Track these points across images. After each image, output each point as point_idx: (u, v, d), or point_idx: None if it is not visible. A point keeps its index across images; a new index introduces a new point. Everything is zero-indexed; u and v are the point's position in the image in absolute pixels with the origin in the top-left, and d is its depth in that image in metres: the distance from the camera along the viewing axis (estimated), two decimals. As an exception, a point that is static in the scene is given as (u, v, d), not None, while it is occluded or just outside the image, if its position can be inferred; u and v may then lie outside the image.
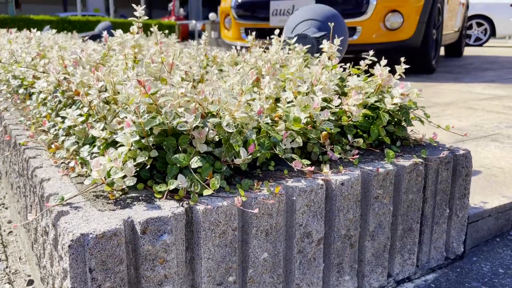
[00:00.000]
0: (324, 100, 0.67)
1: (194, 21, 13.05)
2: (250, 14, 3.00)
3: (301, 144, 0.58)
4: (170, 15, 14.55)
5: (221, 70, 1.00)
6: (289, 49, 0.91)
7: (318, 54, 0.86)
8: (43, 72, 0.82)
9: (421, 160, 0.64)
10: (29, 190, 0.64)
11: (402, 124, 0.72)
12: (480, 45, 9.14)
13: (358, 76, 0.75)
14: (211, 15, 11.31)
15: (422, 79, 2.69)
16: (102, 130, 0.54)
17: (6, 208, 1.06)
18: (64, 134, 0.64)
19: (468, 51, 6.69)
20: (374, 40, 2.73)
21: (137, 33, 0.75)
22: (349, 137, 0.63)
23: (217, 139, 0.52)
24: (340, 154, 0.59)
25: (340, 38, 0.79)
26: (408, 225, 0.64)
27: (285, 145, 0.57)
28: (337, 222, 0.56)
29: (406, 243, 0.65)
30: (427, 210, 0.67)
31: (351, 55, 3.04)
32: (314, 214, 0.54)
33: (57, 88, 0.71)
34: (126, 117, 0.50)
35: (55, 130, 0.66)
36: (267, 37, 2.97)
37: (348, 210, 0.57)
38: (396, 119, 0.71)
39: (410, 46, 2.80)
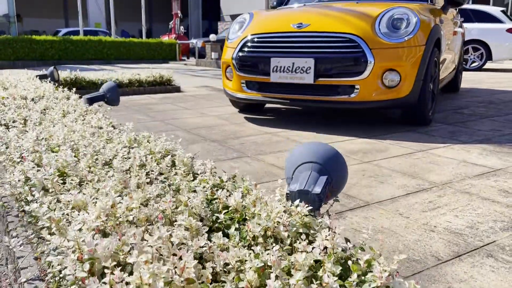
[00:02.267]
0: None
1: (194, 41, 13.18)
2: (251, 68, 3.07)
3: None
4: (171, 33, 14.72)
5: (227, 208, 1.04)
6: (292, 203, 0.95)
7: (320, 220, 0.90)
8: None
9: None
10: None
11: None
12: (478, 69, 9.28)
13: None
14: (211, 36, 11.46)
15: (418, 136, 2.73)
16: None
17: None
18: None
19: (464, 79, 6.77)
20: (372, 98, 2.79)
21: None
22: None
23: None
24: None
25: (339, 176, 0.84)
26: None
27: None
28: None
29: None
30: None
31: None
32: None
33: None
34: None
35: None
36: (268, 91, 3.02)
37: None
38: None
39: (407, 103, 2.86)
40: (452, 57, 4.28)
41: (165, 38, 14.19)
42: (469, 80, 6.84)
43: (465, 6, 9.51)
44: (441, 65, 3.47)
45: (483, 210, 1.59)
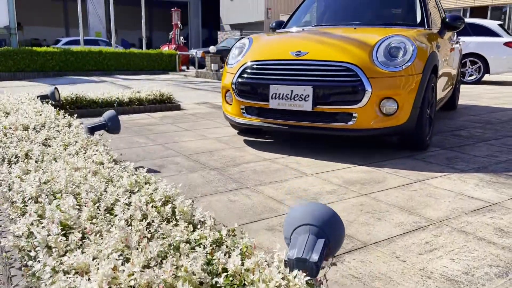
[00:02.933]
0: None
1: (194, 51, 13.27)
2: (250, 94, 3.10)
3: None
4: (171, 43, 14.82)
5: (226, 271, 1.06)
6: (290, 271, 0.97)
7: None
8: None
9: None
10: None
11: None
12: (475, 82, 9.36)
13: None
14: (211, 48, 11.54)
15: (415, 163, 2.74)
16: None
17: None
18: None
19: (462, 94, 6.83)
20: (370, 126, 2.83)
21: None
22: None
23: None
24: None
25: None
26: None
27: None
28: None
29: None
30: None
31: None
32: None
33: None
34: None
35: None
36: (267, 117, 3.03)
37: None
38: None
39: (405, 130, 2.90)
40: (450, 78, 4.32)
41: (165, 49, 14.28)
42: (466, 95, 6.89)
43: (462, 19, 9.61)
44: (438, 88, 3.51)
45: (479, 253, 1.61)
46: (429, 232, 1.79)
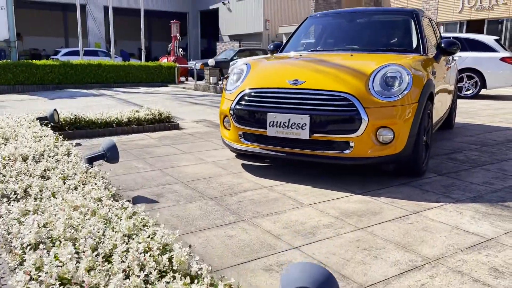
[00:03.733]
0: None
1: (193, 63, 13.36)
2: (248, 121, 3.12)
3: None
4: (170, 55, 14.90)
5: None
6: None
7: None
8: None
9: None
10: None
11: None
12: (472, 97, 9.43)
13: None
14: (210, 61, 11.62)
15: (411, 191, 2.76)
16: None
17: None
18: None
19: (459, 110, 6.88)
20: (367, 155, 2.85)
21: None
22: None
23: None
24: None
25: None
26: None
27: None
28: None
29: None
30: None
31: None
32: None
33: None
34: None
35: None
36: (265, 143, 3.05)
37: None
38: None
39: (402, 159, 2.93)
40: (446, 101, 4.36)
41: (164, 61, 14.36)
42: (464, 111, 6.93)
43: (459, 35, 9.71)
44: (434, 112, 3.55)
45: (473, 297, 1.62)
46: (424, 272, 1.80)
